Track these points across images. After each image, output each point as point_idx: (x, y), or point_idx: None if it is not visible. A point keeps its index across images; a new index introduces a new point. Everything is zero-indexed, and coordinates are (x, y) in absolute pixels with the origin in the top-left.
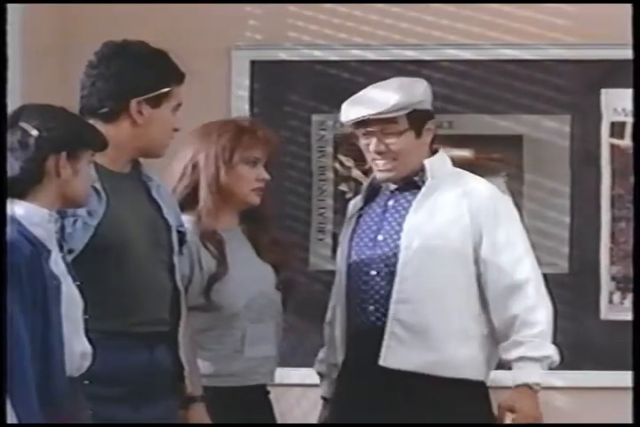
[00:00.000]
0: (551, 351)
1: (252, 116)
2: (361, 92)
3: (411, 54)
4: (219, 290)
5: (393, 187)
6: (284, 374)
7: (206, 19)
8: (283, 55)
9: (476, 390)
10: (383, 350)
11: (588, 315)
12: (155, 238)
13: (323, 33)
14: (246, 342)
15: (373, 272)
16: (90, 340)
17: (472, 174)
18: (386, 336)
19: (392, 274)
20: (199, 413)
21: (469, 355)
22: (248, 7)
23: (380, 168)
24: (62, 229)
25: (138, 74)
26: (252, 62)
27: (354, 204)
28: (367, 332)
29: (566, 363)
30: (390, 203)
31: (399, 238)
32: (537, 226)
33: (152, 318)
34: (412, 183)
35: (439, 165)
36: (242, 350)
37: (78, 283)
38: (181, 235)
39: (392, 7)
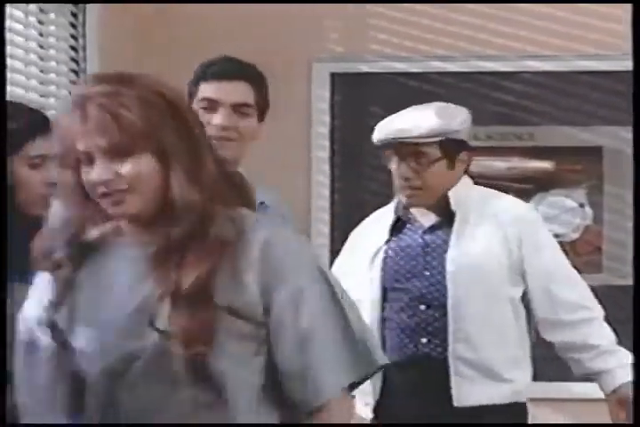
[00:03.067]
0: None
1: (333, 128)
2: (399, 113)
3: (491, 66)
4: None
5: (429, 224)
6: None
7: (288, 32)
8: (363, 67)
9: (524, 409)
10: (454, 391)
11: None
12: None
13: (403, 45)
14: None
15: (423, 307)
16: None
17: (496, 193)
18: (452, 377)
19: (443, 307)
20: None
21: (525, 379)
22: (329, 20)
23: (404, 194)
24: None
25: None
26: (333, 75)
27: (377, 234)
28: (419, 363)
29: None
30: (427, 237)
31: (445, 274)
32: (617, 237)
33: None
34: (444, 216)
35: (464, 194)
36: None
37: None
38: None
39: (472, 19)
